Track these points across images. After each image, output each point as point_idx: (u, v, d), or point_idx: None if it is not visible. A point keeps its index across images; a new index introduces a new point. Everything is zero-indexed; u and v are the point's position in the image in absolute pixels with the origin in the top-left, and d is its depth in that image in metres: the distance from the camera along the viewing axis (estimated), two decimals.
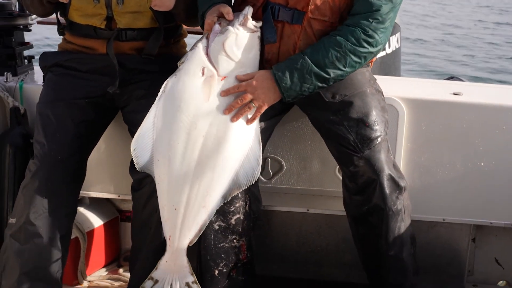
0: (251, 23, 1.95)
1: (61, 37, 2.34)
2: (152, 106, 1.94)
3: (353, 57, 1.98)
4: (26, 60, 2.70)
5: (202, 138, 1.92)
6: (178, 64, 1.97)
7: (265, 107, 1.99)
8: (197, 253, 2.16)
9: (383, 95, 2.20)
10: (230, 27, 1.94)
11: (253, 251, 2.21)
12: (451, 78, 3.49)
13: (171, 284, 2.03)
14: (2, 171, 2.40)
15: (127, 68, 2.23)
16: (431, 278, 2.48)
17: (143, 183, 2.14)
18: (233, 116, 1.94)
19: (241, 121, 1.96)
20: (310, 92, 2.02)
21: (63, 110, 2.18)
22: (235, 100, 1.94)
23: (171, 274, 2.02)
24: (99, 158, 2.50)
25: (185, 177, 1.93)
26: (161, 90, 1.94)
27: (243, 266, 2.18)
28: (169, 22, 2.24)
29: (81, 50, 2.26)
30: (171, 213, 1.97)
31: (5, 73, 2.57)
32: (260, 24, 1.98)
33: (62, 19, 2.31)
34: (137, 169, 1.98)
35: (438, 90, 2.52)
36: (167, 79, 1.95)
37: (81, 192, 2.43)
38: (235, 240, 2.14)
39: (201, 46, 1.95)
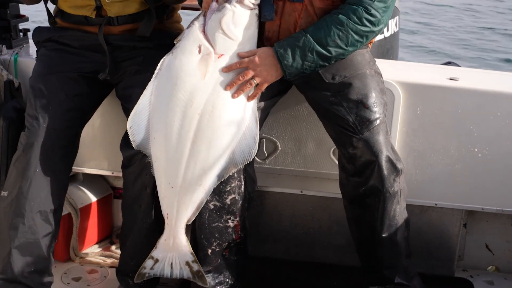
0: (249, 0, 1.93)
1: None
2: (149, 83, 1.93)
3: (355, 35, 1.98)
4: (21, 33, 2.67)
5: (198, 115, 1.91)
6: (174, 42, 1.95)
7: (266, 85, 1.99)
8: (191, 231, 2.17)
9: (382, 77, 2.20)
10: (227, 4, 1.92)
11: (247, 231, 2.22)
12: (448, 63, 3.48)
13: (171, 264, 2.03)
14: None
15: (120, 45, 2.22)
16: (421, 262, 2.50)
17: (133, 160, 2.13)
18: (234, 93, 1.94)
19: (237, 99, 1.95)
20: (311, 70, 2.01)
21: (55, 83, 2.17)
22: (237, 76, 1.93)
23: (170, 253, 2.03)
24: (93, 134, 2.49)
25: (181, 155, 1.93)
26: (157, 67, 1.93)
27: (236, 246, 2.19)
28: (159, 1, 2.23)
29: (74, 28, 2.25)
30: (168, 191, 1.97)
31: None
32: (258, 1, 1.96)
33: (51, 8, 2.30)
34: (134, 147, 1.97)
35: (434, 75, 2.52)
36: (164, 57, 1.93)
37: (74, 168, 2.43)
38: (229, 220, 2.15)
39: (197, 24, 1.93)
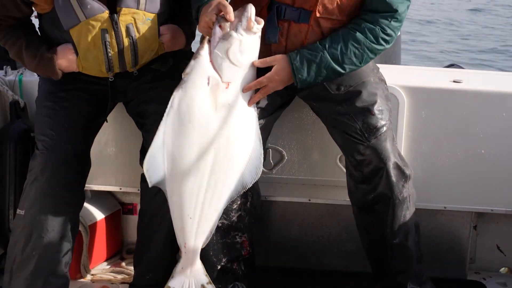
0: (256, 27, 1.89)
1: None
2: (161, 123, 1.90)
3: (370, 54, 2.01)
4: None
5: (214, 149, 1.90)
6: (182, 76, 1.91)
7: (273, 91, 2.00)
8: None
9: (386, 84, 2.21)
10: (233, 33, 1.87)
11: (254, 246, 2.22)
12: (451, 65, 3.48)
13: None
14: (3, 165, 2.40)
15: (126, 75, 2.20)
16: (433, 266, 2.48)
17: None
18: (249, 103, 1.94)
19: (243, 124, 1.94)
20: (321, 82, 2.03)
21: (66, 101, 2.16)
22: (257, 93, 1.95)
23: (187, 279, 2.01)
24: (101, 151, 2.50)
25: (200, 188, 1.93)
26: (168, 105, 1.89)
27: (244, 260, 2.19)
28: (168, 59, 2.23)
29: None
30: (187, 223, 1.96)
31: (4, 67, 2.57)
32: (262, 24, 1.91)
33: None
34: (149, 186, 1.95)
35: (438, 78, 2.53)
36: (173, 93, 1.89)
37: None
38: (237, 236, 2.16)
39: (204, 55, 1.89)
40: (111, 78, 2.13)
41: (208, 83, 1.89)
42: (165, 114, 1.89)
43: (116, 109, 2.33)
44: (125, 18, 2.01)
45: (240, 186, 1.95)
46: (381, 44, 2.00)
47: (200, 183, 1.92)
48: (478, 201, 2.47)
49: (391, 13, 1.98)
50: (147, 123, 2.14)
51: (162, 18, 2.11)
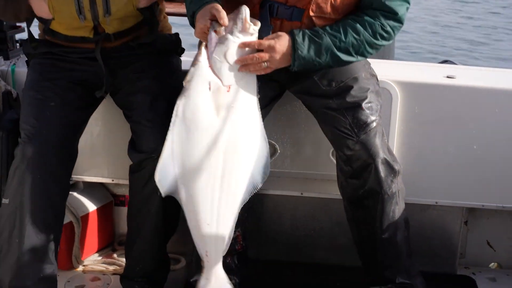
0: (252, 28, 1.89)
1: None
2: (168, 133, 1.90)
3: (367, 47, 2.01)
4: (18, 44, 2.68)
5: (223, 153, 1.90)
6: (184, 84, 1.90)
7: (272, 70, 1.96)
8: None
9: (377, 79, 2.21)
10: (230, 36, 1.87)
11: (247, 240, 2.22)
12: (445, 61, 3.49)
13: None
14: None
15: (116, 56, 2.22)
16: (423, 261, 2.49)
17: (142, 165, 2.13)
18: (241, 67, 1.89)
19: (248, 124, 1.93)
20: (316, 69, 2.02)
21: (49, 90, 2.17)
22: (252, 55, 1.89)
23: None
24: (92, 142, 2.50)
25: (213, 192, 1.92)
26: (173, 114, 1.89)
27: (238, 254, 2.20)
28: (154, 7, 2.24)
29: (67, 46, 2.24)
30: (205, 230, 1.95)
31: None
32: (258, 26, 1.91)
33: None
34: (162, 195, 1.95)
35: (431, 74, 2.53)
36: (177, 102, 1.89)
37: (74, 176, 2.44)
38: None
39: (203, 61, 1.89)
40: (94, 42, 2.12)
41: (210, 88, 1.89)
42: (171, 124, 1.89)
43: (107, 100, 2.33)
44: None
45: (251, 186, 1.95)
46: (378, 40, 2.01)
47: (213, 187, 1.92)
48: (470, 196, 2.48)
49: (391, 14, 2.01)
50: (134, 114, 2.14)
51: None
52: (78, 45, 2.22)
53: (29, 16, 2.19)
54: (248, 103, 1.93)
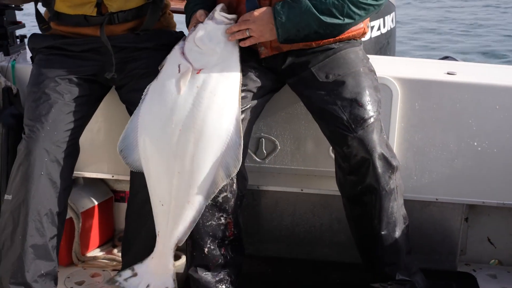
0: (219, 14, 2.00)
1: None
2: (136, 108, 2.00)
3: (352, 6, 1.97)
4: (18, 40, 2.68)
5: (179, 131, 1.93)
6: (158, 68, 2.03)
7: (261, 40, 2.04)
8: None
9: (375, 75, 2.20)
10: (199, 24, 2.02)
11: (240, 228, 2.22)
12: (446, 58, 3.49)
13: (147, 285, 2.03)
14: None
15: (121, 47, 2.22)
16: (423, 257, 2.49)
17: None
18: (229, 36, 2.01)
19: (218, 111, 1.96)
20: (305, 35, 2.01)
21: (54, 87, 2.17)
22: (232, 25, 2.01)
23: (152, 276, 2.02)
24: (93, 138, 2.50)
25: (167, 172, 1.95)
26: (144, 93, 2.00)
27: (230, 243, 2.19)
28: None
29: (72, 36, 2.24)
30: (159, 209, 1.98)
31: None
32: (234, 16, 2.01)
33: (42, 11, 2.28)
34: (130, 169, 2.02)
35: (432, 70, 2.52)
36: (149, 84, 2.01)
37: (75, 172, 2.43)
38: (222, 218, 2.15)
39: (177, 47, 2.04)
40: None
41: (179, 71, 1.96)
42: (140, 101, 2.00)
43: (108, 96, 2.33)
44: None
45: (217, 178, 1.95)
46: None
47: (167, 166, 1.94)
48: (470, 193, 2.47)
49: None
50: None
51: None
52: (82, 30, 2.21)
53: None
54: (221, 88, 1.97)
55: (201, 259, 2.14)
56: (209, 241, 2.14)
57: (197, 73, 1.96)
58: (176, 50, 2.02)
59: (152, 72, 2.15)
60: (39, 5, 2.28)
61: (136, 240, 2.25)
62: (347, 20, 2.00)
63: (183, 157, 1.94)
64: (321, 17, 1.97)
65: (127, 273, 2.05)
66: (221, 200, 2.12)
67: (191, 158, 1.94)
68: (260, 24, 2.00)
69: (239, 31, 2.01)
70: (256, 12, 2.00)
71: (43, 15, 2.29)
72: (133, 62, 2.24)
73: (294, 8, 1.97)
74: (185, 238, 2.01)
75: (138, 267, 2.04)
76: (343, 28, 2.03)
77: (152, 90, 2.01)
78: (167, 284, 2.02)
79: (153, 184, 1.98)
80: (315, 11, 1.96)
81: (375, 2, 2.00)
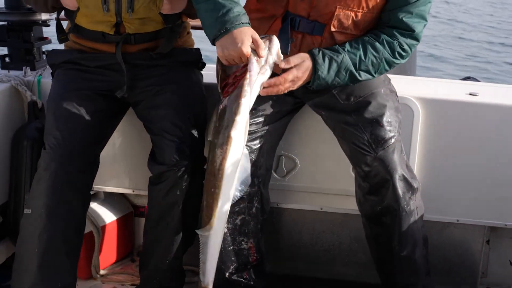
0: (283, 64, 1.89)
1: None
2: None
3: (386, 65, 2.03)
4: (44, 55, 2.73)
5: None
6: None
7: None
8: None
9: (397, 95, 2.20)
10: (268, 68, 1.85)
11: (262, 253, 2.22)
12: (467, 78, 3.47)
13: None
14: (19, 165, 2.44)
15: (136, 64, 2.24)
16: (444, 279, 2.47)
17: (163, 177, 2.14)
18: (263, 93, 1.88)
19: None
20: (335, 87, 2.04)
21: (73, 101, 2.19)
22: (278, 87, 1.89)
23: None
24: (114, 153, 2.52)
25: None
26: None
27: (253, 268, 2.19)
28: (176, 20, 2.26)
29: (89, 51, 2.28)
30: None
31: (23, 68, 2.60)
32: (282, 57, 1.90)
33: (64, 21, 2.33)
34: None
35: (453, 90, 2.51)
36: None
37: (95, 186, 2.46)
38: (243, 242, 2.16)
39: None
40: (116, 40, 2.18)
41: None
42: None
43: (129, 111, 2.36)
44: None
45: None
46: (396, 58, 2.03)
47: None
48: (492, 215, 2.44)
49: (409, 32, 2.02)
50: (155, 127, 2.15)
51: None
52: (100, 46, 2.24)
53: (55, 6, 2.22)
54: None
55: (223, 283, 2.14)
56: (232, 266, 2.16)
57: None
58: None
59: (166, 89, 2.17)
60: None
61: (155, 254, 2.25)
62: (376, 76, 2.06)
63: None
64: (357, 75, 2.00)
65: None
66: (239, 223, 2.13)
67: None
68: (299, 83, 1.94)
69: (280, 90, 1.90)
70: (301, 73, 1.91)
71: (64, 28, 2.33)
72: (146, 80, 2.25)
73: (336, 63, 1.96)
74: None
75: None
76: (368, 80, 2.07)
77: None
78: None
79: None
80: (354, 69, 1.99)
81: (403, 60, 2.06)
